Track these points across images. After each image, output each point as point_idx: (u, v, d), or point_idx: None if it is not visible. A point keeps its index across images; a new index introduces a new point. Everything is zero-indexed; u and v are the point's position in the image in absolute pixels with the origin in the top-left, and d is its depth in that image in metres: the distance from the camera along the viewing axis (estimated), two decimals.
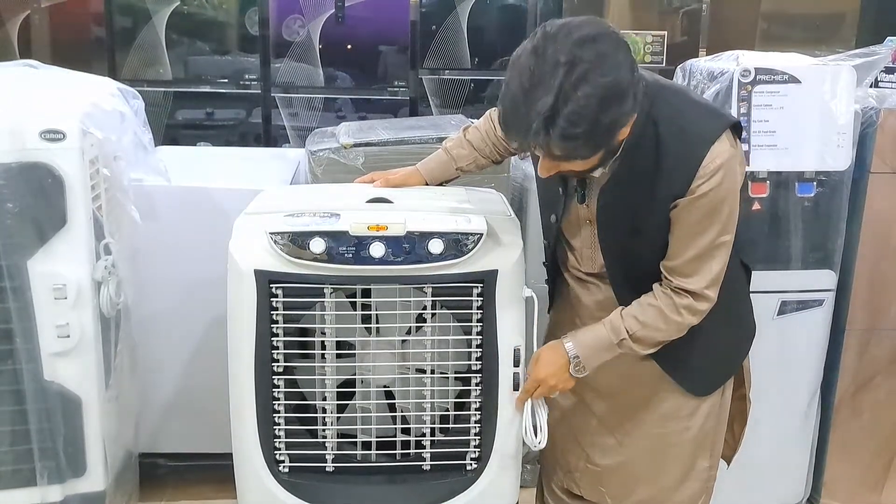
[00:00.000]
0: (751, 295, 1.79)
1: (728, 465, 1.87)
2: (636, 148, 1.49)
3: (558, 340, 1.65)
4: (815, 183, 2.23)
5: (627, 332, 1.57)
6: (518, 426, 1.67)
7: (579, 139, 1.35)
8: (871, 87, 2.37)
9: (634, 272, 1.62)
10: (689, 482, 1.76)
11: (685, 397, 1.70)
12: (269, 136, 3.47)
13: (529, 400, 1.66)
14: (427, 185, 1.88)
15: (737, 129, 1.55)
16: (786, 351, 2.31)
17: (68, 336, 1.73)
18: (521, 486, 1.78)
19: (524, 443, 1.69)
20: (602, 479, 1.78)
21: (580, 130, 1.33)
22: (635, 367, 1.69)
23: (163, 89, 3.35)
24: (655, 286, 1.59)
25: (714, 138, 1.48)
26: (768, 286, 2.23)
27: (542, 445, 1.67)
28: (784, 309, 2.30)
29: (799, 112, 2.18)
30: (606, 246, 1.63)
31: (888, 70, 2.57)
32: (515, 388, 1.67)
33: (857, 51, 2.29)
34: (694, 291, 1.54)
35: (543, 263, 1.84)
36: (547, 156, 1.42)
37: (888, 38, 2.63)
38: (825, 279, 2.31)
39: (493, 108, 1.78)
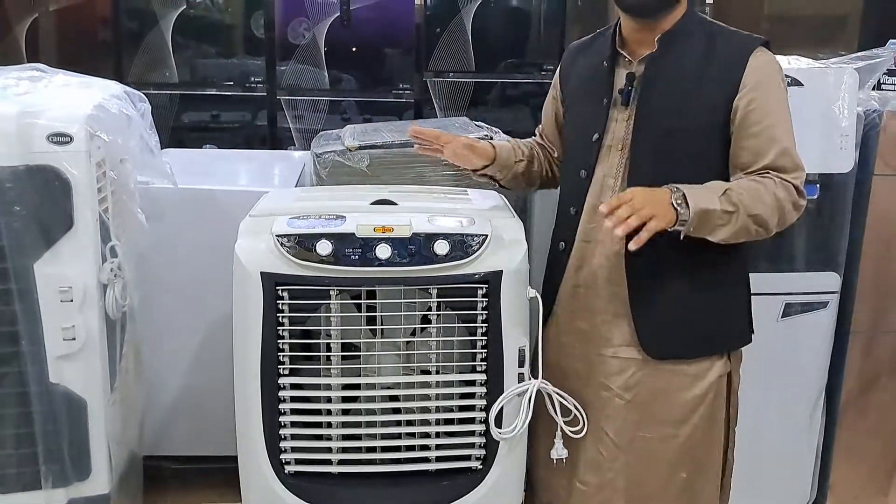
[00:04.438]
0: (753, 297, 1.79)
1: None
2: (687, 39, 1.64)
3: None
4: (818, 185, 2.23)
5: (730, 189, 1.55)
6: (522, 429, 1.66)
7: None
8: (873, 89, 2.38)
9: None
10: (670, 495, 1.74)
11: (675, 403, 1.70)
12: (274, 139, 3.48)
13: (528, 390, 1.65)
14: (495, 159, 1.85)
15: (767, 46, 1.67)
16: (790, 353, 2.31)
17: (74, 338, 1.73)
18: None
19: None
20: (589, 498, 1.77)
21: None
22: (622, 370, 1.70)
23: (169, 92, 3.36)
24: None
25: (756, 46, 1.63)
26: (772, 288, 2.23)
27: (509, 436, 1.65)
28: (788, 311, 2.30)
29: (801, 114, 2.17)
30: (635, 161, 1.64)
31: (891, 72, 2.57)
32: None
33: (860, 53, 2.30)
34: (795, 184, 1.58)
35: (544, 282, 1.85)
36: None
37: (890, 40, 2.63)
38: (829, 281, 2.31)
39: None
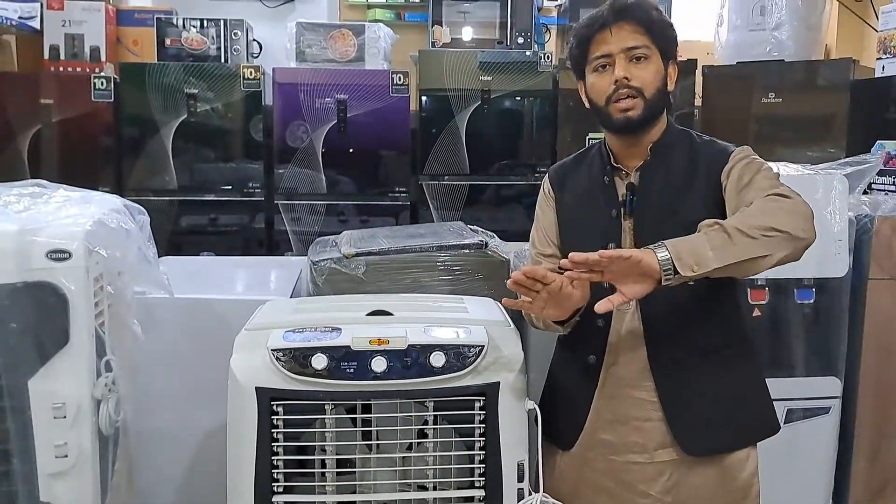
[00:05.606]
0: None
1: None
2: (674, 147, 1.74)
3: None
4: (814, 289, 2.25)
5: (720, 222, 1.50)
6: None
7: (667, 21, 1.70)
8: (864, 192, 2.42)
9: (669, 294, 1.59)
10: None
11: (720, 496, 1.68)
12: (271, 242, 3.51)
13: None
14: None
15: None
16: (795, 459, 2.27)
17: (66, 456, 1.69)
18: None
19: None
20: None
21: (667, 20, 1.71)
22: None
23: (168, 198, 3.42)
24: None
25: (735, 147, 1.72)
26: (774, 393, 2.18)
27: None
28: (791, 417, 2.27)
29: None
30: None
31: (881, 172, 2.62)
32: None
33: (848, 159, 2.35)
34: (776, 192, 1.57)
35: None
36: (634, 32, 1.67)
37: (878, 142, 2.69)
38: (830, 386, 2.30)
39: None
